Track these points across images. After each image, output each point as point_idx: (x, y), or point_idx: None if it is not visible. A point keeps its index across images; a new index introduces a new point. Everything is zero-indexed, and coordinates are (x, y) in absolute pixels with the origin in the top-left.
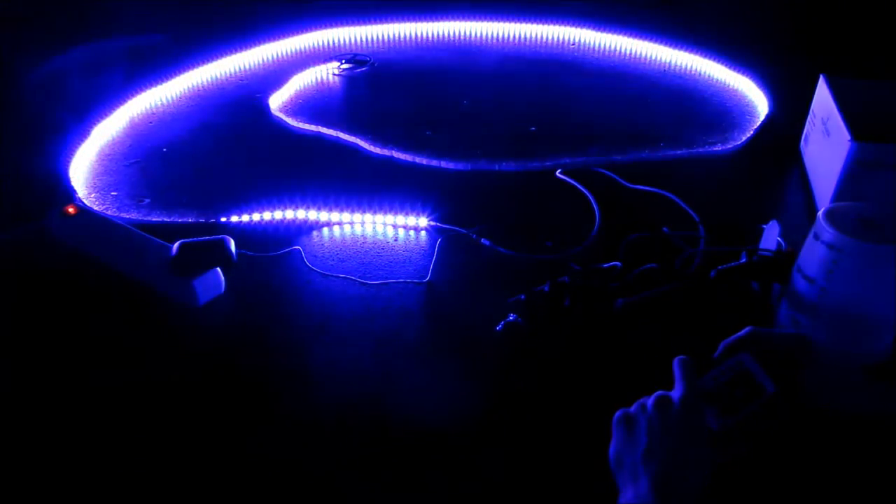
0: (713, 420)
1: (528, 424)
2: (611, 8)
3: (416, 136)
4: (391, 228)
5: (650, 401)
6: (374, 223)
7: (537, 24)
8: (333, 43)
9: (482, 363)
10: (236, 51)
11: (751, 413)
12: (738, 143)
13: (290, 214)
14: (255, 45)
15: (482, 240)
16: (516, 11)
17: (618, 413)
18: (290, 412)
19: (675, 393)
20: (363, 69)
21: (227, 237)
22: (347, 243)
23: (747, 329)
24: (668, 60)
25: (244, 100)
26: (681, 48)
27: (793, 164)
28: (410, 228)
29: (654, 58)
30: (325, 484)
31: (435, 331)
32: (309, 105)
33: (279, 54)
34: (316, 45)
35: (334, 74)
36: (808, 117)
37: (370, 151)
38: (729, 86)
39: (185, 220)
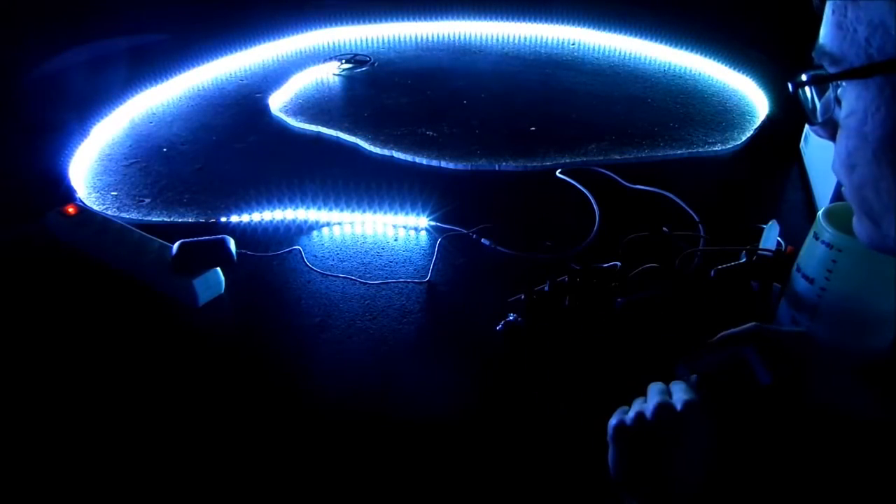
0: None
1: (528, 424)
2: (611, 8)
3: (416, 136)
4: (391, 228)
5: (650, 410)
6: (374, 223)
7: (537, 24)
8: (333, 43)
9: (482, 363)
10: (236, 51)
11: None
12: (738, 143)
13: (290, 214)
14: (255, 45)
15: (482, 240)
16: (516, 11)
17: (613, 422)
18: (291, 412)
19: (678, 397)
20: (363, 69)
21: (227, 237)
22: (347, 243)
23: (751, 325)
24: (668, 60)
25: (244, 100)
26: (681, 48)
27: (793, 164)
28: (410, 228)
29: (654, 58)
30: (325, 483)
31: (435, 331)
32: (309, 105)
33: (279, 54)
34: (316, 45)
35: (334, 74)
36: None
37: (370, 151)
38: (729, 86)
39: (185, 220)
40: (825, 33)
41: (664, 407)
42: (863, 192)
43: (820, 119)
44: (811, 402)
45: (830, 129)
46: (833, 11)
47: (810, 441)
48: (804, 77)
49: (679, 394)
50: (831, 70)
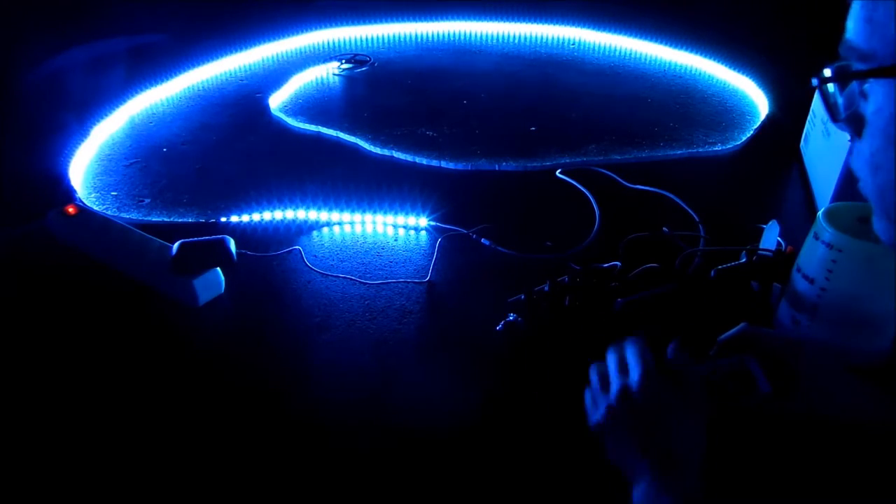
0: None
1: (528, 424)
2: (611, 8)
3: (415, 136)
4: (391, 228)
5: (613, 399)
6: (374, 223)
7: (537, 24)
8: (333, 43)
9: (482, 363)
10: (236, 51)
11: (739, 400)
12: (738, 143)
13: (290, 214)
14: (255, 45)
15: (482, 240)
16: (516, 11)
17: (593, 422)
18: (291, 412)
19: (633, 373)
20: (363, 69)
21: (227, 237)
22: (347, 243)
23: (741, 326)
24: (668, 60)
25: (244, 100)
26: (681, 48)
27: (793, 164)
28: (410, 228)
29: (654, 58)
30: (325, 483)
31: (435, 331)
32: (309, 105)
33: (279, 54)
34: (316, 45)
35: (334, 74)
36: (808, 117)
37: (370, 151)
38: (729, 86)
39: (185, 220)
40: (853, 28)
41: (626, 388)
42: (886, 194)
43: (843, 115)
44: (805, 407)
45: (855, 125)
46: (862, 7)
47: (807, 444)
48: (829, 72)
49: (633, 368)
50: (859, 66)
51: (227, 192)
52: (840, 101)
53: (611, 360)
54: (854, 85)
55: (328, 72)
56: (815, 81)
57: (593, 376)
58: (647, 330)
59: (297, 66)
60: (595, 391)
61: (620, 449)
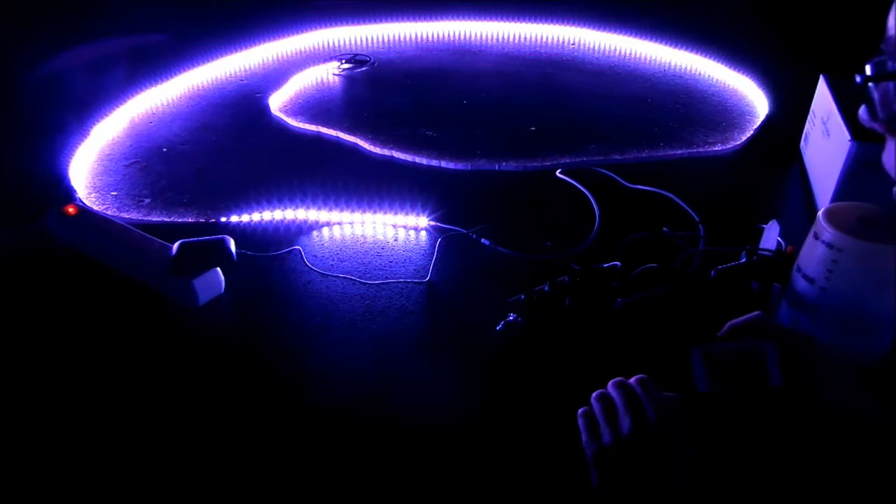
0: (702, 381)
1: (528, 424)
2: (611, 8)
3: (416, 136)
4: (391, 228)
5: (626, 429)
6: (374, 223)
7: (537, 23)
8: (333, 43)
9: (482, 363)
10: (236, 51)
11: (743, 391)
12: (738, 143)
13: (290, 214)
14: (255, 45)
15: (482, 240)
16: (516, 11)
17: (594, 448)
18: (291, 412)
19: (649, 408)
20: (363, 69)
21: (227, 237)
22: (347, 243)
23: (756, 313)
24: (668, 60)
25: (244, 100)
26: (681, 48)
27: (793, 164)
28: (410, 228)
29: (654, 58)
30: (325, 483)
31: (435, 331)
32: (309, 105)
33: (279, 54)
34: (316, 45)
35: (334, 74)
36: (808, 117)
37: (370, 151)
38: (729, 86)
39: (185, 220)
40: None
41: (639, 424)
42: None
43: (881, 115)
44: (819, 404)
45: (891, 124)
46: None
47: (814, 442)
48: (870, 70)
49: (649, 402)
50: None
51: (227, 192)
52: (876, 97)
53: (616, 393)
54: (890, 85)
55: (328, 72)
56: (859, 79)
57: (596, 405)
58: (647, 330)
59: (297, 66)
60: (599, 419)
61: (614, 482)
